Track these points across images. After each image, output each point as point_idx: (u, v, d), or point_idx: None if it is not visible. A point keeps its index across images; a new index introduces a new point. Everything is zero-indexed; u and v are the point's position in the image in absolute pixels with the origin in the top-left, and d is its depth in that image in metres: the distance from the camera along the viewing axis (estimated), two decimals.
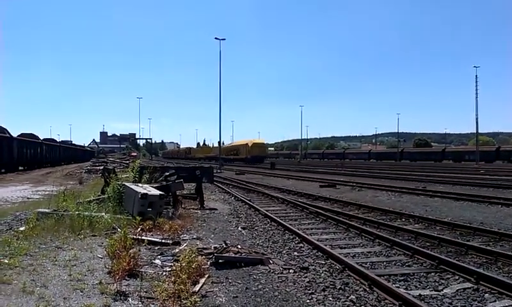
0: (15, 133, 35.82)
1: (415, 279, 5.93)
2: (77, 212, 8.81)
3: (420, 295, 5.24)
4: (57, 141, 65.47)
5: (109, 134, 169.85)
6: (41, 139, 46.51)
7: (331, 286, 5.52)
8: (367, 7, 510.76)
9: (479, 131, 64.77)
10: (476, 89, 61.71)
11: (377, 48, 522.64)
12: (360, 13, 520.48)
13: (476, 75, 63.24)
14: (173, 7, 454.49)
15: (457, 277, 5.89)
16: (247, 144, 62.80)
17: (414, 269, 6.41)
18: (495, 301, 5.04)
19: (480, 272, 5.81)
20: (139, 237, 7.45)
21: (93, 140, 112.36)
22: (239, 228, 9.95)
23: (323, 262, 6.80)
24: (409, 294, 5.07)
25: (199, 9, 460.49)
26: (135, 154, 73.55)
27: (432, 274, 6.15)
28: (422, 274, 6.16)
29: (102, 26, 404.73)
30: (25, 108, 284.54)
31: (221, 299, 4.89)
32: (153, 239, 7.60)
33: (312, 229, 9.97)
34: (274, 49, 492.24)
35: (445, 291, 5.42)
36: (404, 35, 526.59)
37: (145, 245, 7.16)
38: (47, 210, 9.33)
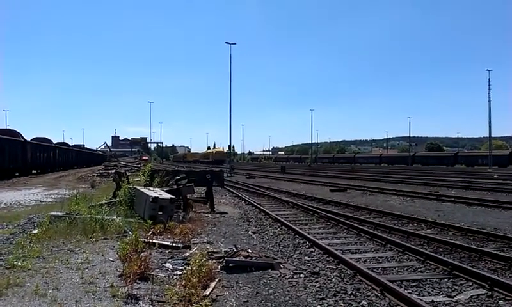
0: (28, 137, 36.36)
1: (428, 285, 5.86)
2: (89, 215, 8.89)
3: (433, 301, 5.18)
4: (70, 144, 66.22)
5: (120, 138, 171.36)
6: (55, 143, 47.11)
7: (342, 292, 5.48)
8: (378, 12, 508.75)
9: (492, 135, 63.96)
10: (489, 93, 61.03)
11: (388, 52, 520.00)
12: (371, 17, 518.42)
13: (489, 79, 62.56)
14: (185, 12, 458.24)
15: (470, 284, 5.81)
16: (212, 151, 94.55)
17: (427, 275, 6.33)
18: None
19: (494, 278, 5.72)
20: (150, 241, 7.48)
21: (105, 143, 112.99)
22: (249, 232, 9.94)
23: (334, 267, 6.75)
24: (422, 300, 5.00)
25: (210, 14, 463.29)
26: (146, 158, 74.00)
27: (446, 280, 6.07)
28: (434, 279, 6.08)
29: (115, 31, 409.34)
30: (39, 112, 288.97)
31: (231, 303, 4.89)
32: (164, 243, 7.63)
33: (322, 233, 9.92)
34: (284, 54, 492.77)
35: (458, 297, 5.34)
36: (415, 39, 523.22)
37: (156, 249, 7.19)
38: (59, 213, 9.43)
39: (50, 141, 44.62)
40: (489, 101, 60.56)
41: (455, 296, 5.39)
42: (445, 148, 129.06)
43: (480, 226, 10.53)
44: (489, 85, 61.30)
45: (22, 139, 32.98)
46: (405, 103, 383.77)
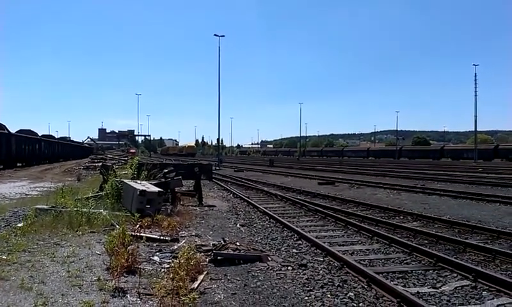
0: (13, 130, 35.72)
1: (413, 277, 5.94)
2: (75, 209, 8.78)
3: (418, 292, 5.25)
4: (56, 137, 65.31)
5: (107, 131, 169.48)
6: (40, 135, 46.39)
7: (329, 283, 5.52)
8: (367, 6, 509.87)
9: (478, 129, 65.02)
10: (475, 88, 61.75)
11: (376, 46, 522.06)
12: (360, 11, 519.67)
13: (475, 74, 63.23)
14: (173, 5, 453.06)
15: (455, 275, 5.91)
16: (185, 146, 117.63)
17: (412, 267, 6.42)
18: (493, 299, 5.05)
19: (478, 269, 5.82)
20: (138, 234, 7.44)
21: (88, 137, 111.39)
22: (238, 225, 9.96)
23: (322, 259, 6.81)
24: (408, 291, 5.08)
25: (199, 6, 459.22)
26: (133, 151, 73.47)
27: (431, 271, 6.16)
28: (420, 271, 6.17)
29: (101, 23, 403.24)
30: (24, 104, 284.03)
31: (219, 296, 4.89)
32: (151, 236, 7.59)
33: (310, 226, 9.98)
34: (274, 47, 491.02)
35: (443, 288, 5.43)
36: (403, 33, 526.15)
37: (144, 242, 7.14)
38: (45, 207, 9.31)
39: (35, 134, 43.89)
40: (476, 96, 61.44)
41: (440, 287, 5.48)
42: (431, 141, 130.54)
43: (465, 219, 10.70)
44: (475, 80, 62.09)
45: (6, 132, 32.42)
46: (393, 97, 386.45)
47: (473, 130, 64.81)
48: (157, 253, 6.64)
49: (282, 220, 10.16)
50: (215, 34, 44.54)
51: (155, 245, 7.19)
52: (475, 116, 61.34)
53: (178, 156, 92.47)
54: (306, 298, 4.97)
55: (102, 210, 9.18)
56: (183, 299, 4.41)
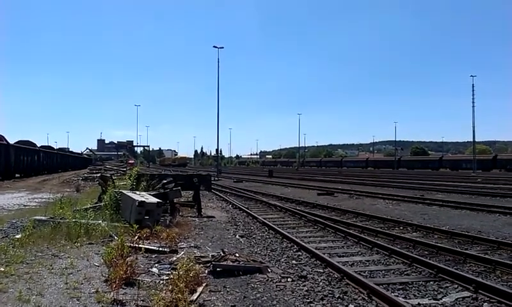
0: (12, 141, 35.73)
1: (414, 288, 5.91)
2: (73, 220, 8.75)
3: (419, 304, 5.22)
4: (55, 148, 65.26)
5: (106, 142, 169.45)
6: (39, 146, 46.34)
7: (329, 295, 5.49)
8: (366, 17, 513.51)
9: (476, 139, 65.09)
10: (473, 98, 62.00)
11: (375, 57, 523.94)
12: (358, 22, 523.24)
13: (473, 84, 63.37)
14: (172, 16, 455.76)
15: (456, 286, 5.88)
16: (178, 157, 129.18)
17: (413, 278, 6.39)
18: None
19: (478, 280, 5.80)
20: (136, 245, 7.40)
21: (87, 148, 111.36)
22: (237, 236, 9.91)
23: (321, 271, 6.77)
24: (408, 303, 5.05)
25: (198, 18, 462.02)
26: (132, 161, 73.46)
27: (431, 282, 6.13)
28: (420, 282, 6.14)
29: (101, 34, 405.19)
30: (23, 115, 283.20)
31: None
32: (150, 247, 7.55)
33: (310, 237, 9.94)
34: (273, 58, 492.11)
35: (444, 300, 5.40)
36: (401, 44, 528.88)
37: (142, 254, 7.11)
38: (43, 218, 9.27)
39: (34, 144, 43.85)
40: (473, 106, 61.66)
41: (441, 298, 5.45)
42: (430, 152, 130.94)
43: (465, 229, 10.68)
44: (473, 91, 62.35)
45: (5, 142, 32.40)
46: (391, 108, 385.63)
47: (471, 140, 64.88)
48: (156, 265, 6.60)
49: (281, 231, 10.12)
50: (214, 46, 44.94)
51: (153, 256, 7.14)
52: (473, 127, 61.17)
53: (172, 166, 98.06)
54: None
55: (100, 221, 9.13)
56: None
